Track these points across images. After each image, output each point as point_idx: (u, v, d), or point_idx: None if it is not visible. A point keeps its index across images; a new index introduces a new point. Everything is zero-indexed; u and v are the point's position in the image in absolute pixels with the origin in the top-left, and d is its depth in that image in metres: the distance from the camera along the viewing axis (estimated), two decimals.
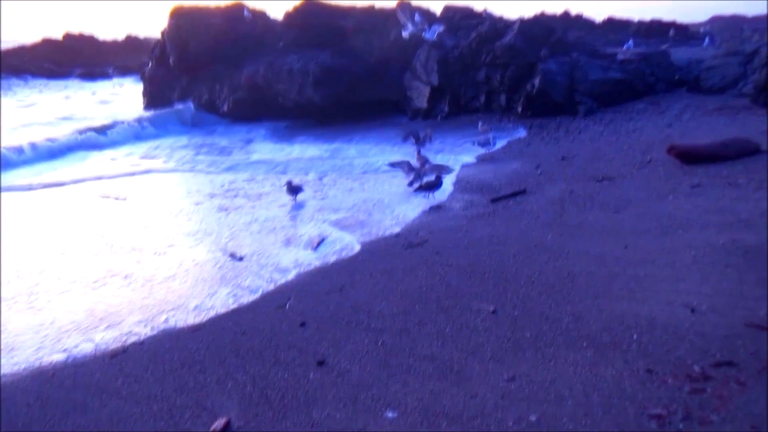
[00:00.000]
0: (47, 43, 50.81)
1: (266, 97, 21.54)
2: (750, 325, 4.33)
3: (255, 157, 14.76)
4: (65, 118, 22.74)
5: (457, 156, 12.74)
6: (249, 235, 8.46)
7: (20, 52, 48.99)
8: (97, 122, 19.81)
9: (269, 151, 15.26)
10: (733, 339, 4.19)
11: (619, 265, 5.78)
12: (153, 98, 25.32)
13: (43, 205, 10.86)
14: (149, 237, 8.51)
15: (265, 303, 5.92)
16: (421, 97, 18.94)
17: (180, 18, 23.80)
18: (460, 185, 10.18)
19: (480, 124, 14.96)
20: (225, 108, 22.59)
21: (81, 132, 17.77)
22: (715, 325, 4.41)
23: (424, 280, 5.95)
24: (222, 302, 6.12)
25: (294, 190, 10.01)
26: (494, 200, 9.03)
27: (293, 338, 5.02)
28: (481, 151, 12.96)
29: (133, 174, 13.21)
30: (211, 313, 5.84)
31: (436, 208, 9.05)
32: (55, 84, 39.96)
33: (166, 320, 5.78)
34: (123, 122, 19.69)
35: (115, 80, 41.51)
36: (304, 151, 14.98)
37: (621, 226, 6.95)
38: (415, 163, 10.73)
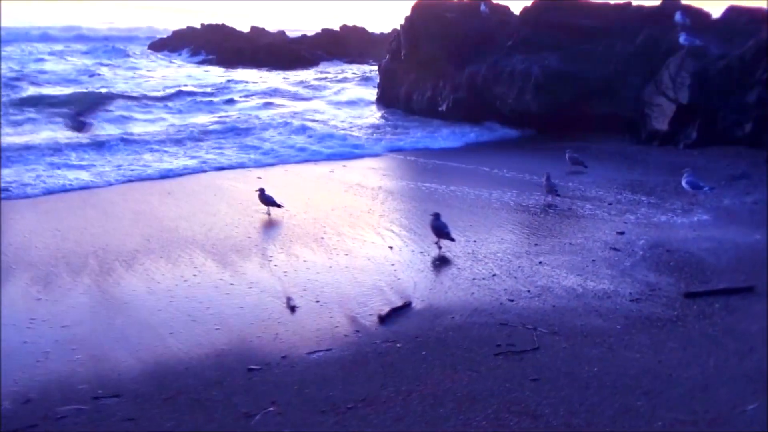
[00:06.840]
0: (325, 33, 56.32)
1: (485, 100, 19.67)
2: None
3: None
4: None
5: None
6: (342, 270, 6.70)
7: (302, 39, 55.44)
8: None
9: None
10: None
11: None
12: (384, 90, 25.58)
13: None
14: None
15: (237, 398, 4.18)
16: (662, 116, 15.05)
17: (417, 11, 23.22)
18: (651, 252, 7.02)
19: (567, 152, 12.60)
20: (444, 107, 21.38)
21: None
22: None
23: None
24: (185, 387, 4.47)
25: None
26: (690, 296, 5.90)
27: None
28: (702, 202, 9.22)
29: None
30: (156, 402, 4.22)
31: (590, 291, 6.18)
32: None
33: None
34: None
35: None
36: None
37: None
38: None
